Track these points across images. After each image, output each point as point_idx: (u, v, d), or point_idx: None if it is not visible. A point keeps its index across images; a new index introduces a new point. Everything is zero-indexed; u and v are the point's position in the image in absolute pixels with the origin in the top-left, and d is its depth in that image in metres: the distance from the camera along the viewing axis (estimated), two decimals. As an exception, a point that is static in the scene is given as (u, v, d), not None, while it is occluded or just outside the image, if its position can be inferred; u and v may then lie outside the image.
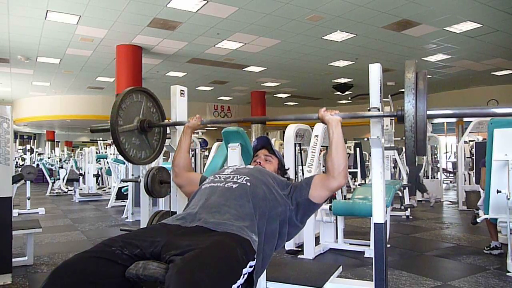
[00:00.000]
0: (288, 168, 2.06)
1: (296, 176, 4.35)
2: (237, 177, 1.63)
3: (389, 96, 6.28)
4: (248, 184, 1.58)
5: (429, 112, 1.56)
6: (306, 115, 1.94)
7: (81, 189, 10.15)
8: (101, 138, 15.11)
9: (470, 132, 7.12)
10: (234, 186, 1.57)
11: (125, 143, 2.13)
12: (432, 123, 17.69)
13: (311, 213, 1.72)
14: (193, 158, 6.47)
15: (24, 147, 18.34)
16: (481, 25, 7.69)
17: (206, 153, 9.33)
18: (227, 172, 1.70)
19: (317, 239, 3.99)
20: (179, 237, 1.32)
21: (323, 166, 4.63)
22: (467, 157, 8.82)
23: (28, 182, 7.01)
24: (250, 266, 1.31)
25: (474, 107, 1.68)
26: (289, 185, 1.71)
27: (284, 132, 4.21)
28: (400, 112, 1.58)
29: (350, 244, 4.14)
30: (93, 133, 2.67)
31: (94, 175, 10.36)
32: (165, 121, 2.39)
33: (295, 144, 4.05)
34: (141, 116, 2.21)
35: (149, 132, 2.28)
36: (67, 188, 10.75)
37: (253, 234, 1.41)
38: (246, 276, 1.28)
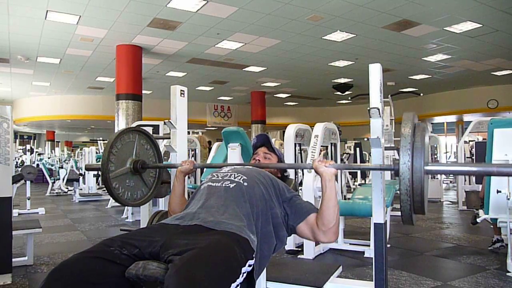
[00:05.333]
0: None
1: (296, 176, 4.35)
2: (234, 175, 1.63)
3: (389, 96, 6.29)
4: (245, 184, 1.58)
5: (427, 168, 1.47)
6: (299, 164, 1.92)
7: (81, 189, 10.15)
8: (101, 138, 15.12)
9: (470, 132, 7.12)
10: (232, 185, 1.57)
11: (119, 187, 2.06)
12: (432, 123, 17.73)
13: (286, 236, 1.68)
14: (193, 158, 6.47)
15: (24, 147, 18.34)
16: (481, 25, 7.69)
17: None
18: (225, 170, 1.71)
19: (317, 239, 3.99)
20: (177, 236, 1.32)
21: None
22: (467, 157, 8.81)
23: (28, 182, 7.01)
24: (249, 265, 1.31)
25: (473, 165, 1.59)
26: (290, 191, 1.69)
27: (284, 132, 4.21)
28: (397, 165, 1.49)
29: (350, 244, 4.14)
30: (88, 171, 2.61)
31: (94, 175, 10.36)
32: (166, 122, 2.39)
33: (295, 144, 4.05)
34: (134, 157, 2.13)
35: (143, 172, 2.21)
36: (67, 188, 10.75)
37: (251, 234, 1.42)
38: (245, 275, 1.28)
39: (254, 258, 1.36)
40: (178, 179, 1.98)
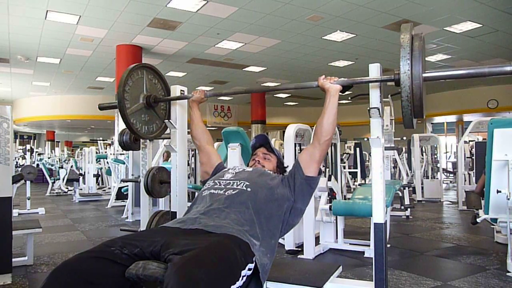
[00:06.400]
0: (287, 166, 2.06)
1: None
2: (237, 183, 1.64)
3: (389, 96, 6.27)
4: (249, 189, 1.59)
5: (425, 75, 1.58)
6: (305, 84, 1.95)
7: (81, 189, 10.15)
8: (101, 138, 15.12)
9: (470, 132, 7.11)
10: (234, 193, 1.58)
11: (136, 122, 2.19)
12: (432, 123, 17.73)
13: (313, 190, 1.77)
14: (193, 158, 6.47)
15: (24, 147, 18.34)
16: (481, 25, 7.69)
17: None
18: (227, 177, 1.72)
19: (317, 239, 3.99)
20: (178, 237, 1.33)
21: (323, 166, 4.63)
22: (467, 157, 8.82)
23: (28, 182, 7.01)
24: (249, 269, 1.31)
25: (471, 67, 1.61)
26: (283, 179, 1.74)
27: (284, 132, 4.21)
28: (398, 75, 1.60)
29: (350, 244, 4.13)
30: (101, 110, 2.71)
31: (94, 175, 10.36)
32: (166, 123, 2.40)
33: (295, 144, 4.04)
34: (145, 92, 2.25)
35: (156, 106, 2.33)
36: (67, 188, 10.75)
37: (252, 238, 1.42)
38: (244, 278, 1.27)
39: (256, 262, 1.36)
40: (192, 108, 2.14)
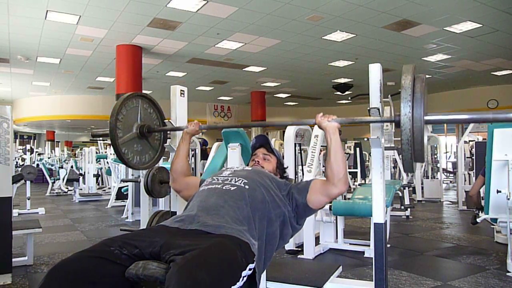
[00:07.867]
0: (287, 167, 2.06)
1: (296, 176, 4.35)
2: (235, 179, 1.63)
3: (389, 96, 6.26)
4: (247, 187, 1.58)
5: (426, 118, 1.54)
6: (303, 121, 1.93)
7: (81, 189, 10.15)
8: (101, 138, 15.12)
9: (470, 132, 7.12)
10: (232, 188, 1.57)
11: (128, 152, 2.13)
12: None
13: (307, 217, 1.72)
14: (193, 159, 6.47)
15: (24, 147, 18.35)
16: (481, 25, 7.69)
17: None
18: (225, 174, 1.70)
19: (317, 239, 3.99)
20: (178, 237, 1.32)
21: (323, 166, 4.63)
22: (467, 157, 8.82)
23: (28, 182, 7.01)
24: (250, 269, 1.30)
25: (472, 113, 1.63)
26: (288, 185, 1.71)
27: (284, 132, 4.21)
28: (398, 117, 1.56)
29: (350, 244, 4.14)
30: (94, 138, 2.70)
31: (94, 175, 10.36)
32: (165, 123, 2.39)
33: (295, 144, 4.05)
34: (139, 122, 2.20)
35: (149, 136, 2.28)
36: (67, 188, 10.76)
37: (251, 238, 1.41)
38: (245, 279, 1.27)
39: (255, 262, 1.35)
40: (184, 140, 2.02)
